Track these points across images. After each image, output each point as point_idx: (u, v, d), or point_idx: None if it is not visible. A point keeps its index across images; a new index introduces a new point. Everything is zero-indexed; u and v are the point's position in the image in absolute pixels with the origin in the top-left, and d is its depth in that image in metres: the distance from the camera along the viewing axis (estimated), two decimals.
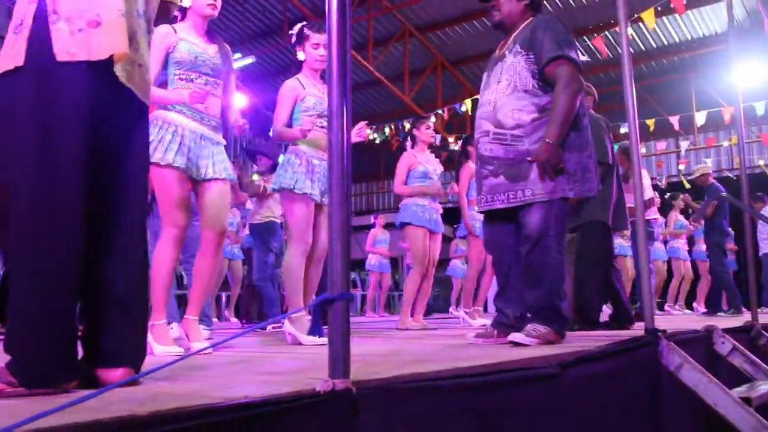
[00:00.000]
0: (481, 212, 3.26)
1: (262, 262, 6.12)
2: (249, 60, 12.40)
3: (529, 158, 2.95)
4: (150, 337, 2.73)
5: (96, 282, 1.62)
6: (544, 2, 11.97)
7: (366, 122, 3.81)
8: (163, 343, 2.74)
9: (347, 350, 1.43)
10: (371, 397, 1.43)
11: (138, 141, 1.76)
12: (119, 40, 1.62)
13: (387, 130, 12.84)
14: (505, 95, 3.02)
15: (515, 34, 3.13)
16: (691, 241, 9.43)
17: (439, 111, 11.49)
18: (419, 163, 5.33)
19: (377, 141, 12.93)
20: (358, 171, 18.14)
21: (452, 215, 7.48)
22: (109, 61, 1.60)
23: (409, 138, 5.60)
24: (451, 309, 10.48)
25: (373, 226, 10.86)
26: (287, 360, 2.50)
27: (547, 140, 2.89)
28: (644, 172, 6.77)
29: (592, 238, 4.60)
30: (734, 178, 11.66)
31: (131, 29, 1.68)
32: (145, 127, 1.82)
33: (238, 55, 11.37)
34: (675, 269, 8.94)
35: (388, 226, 11.02)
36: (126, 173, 1.70)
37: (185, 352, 2.70)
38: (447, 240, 8.29)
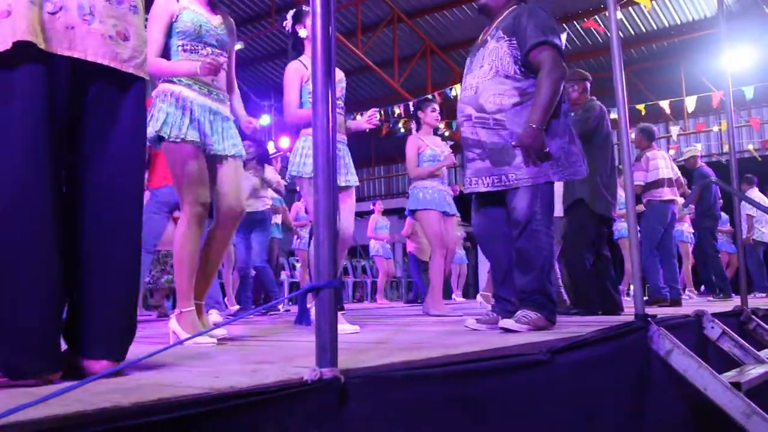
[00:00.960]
0: (468, 193, 3.26)
1: (263, 246, 6.11)
2: (238, 46, 12.28)
3: (513, 142, 2.96)
4: (177, 326, 2.65)
5: (79, 271, 1.59)
6: None
7: (376, 108, 3.77)
8: (190, 331, 2.59)
9: (335, 338, 1.41)
10: (360, 385, 1.41)
11: (125, 119, 1.69)
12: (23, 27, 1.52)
13: (377, 116, 12.78)
14: (487, 80, 3.03)
15: (499, 20, 3.15)
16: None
17: (429, 96, 11.44)
18: (426, 146, 5.30)
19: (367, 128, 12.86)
20: None
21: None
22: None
23: (414, 121, 5.57)
24: (453, 295, 10.50)
25: (371, 212, 10.79)
26: (277, 349, 2.48)
27: (532, 125, 2.90)
28: (664, 153, 6.73)
29: (576, 219, 4.63)
30: (724, 162, 11.68)
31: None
32: (134, 104, 1.73)
33: None
34: (683, 253, 8.88)
35: (386, 213, 11.02)
36: (110, 157, 1.64)
37: (217, 340, 2.60)
38: None
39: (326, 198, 1.45)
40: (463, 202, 5.21)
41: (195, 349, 2.38)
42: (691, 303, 6.20)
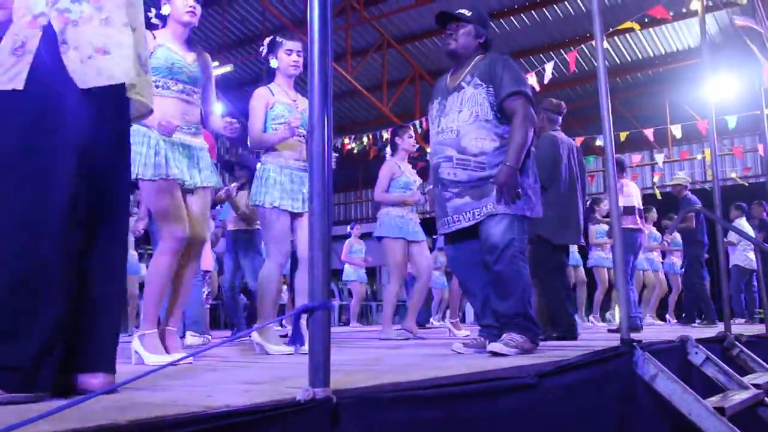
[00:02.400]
0: (445, 234, 3.35)
1: (255, 268, 6.01)
2: (227, 68, 12.39)
3: (491, 180, 3.11)
4: (140, 347, 2.72)
5: (77, 288, 1.62)
6: (522, 16, 12.19)
7: (336, 155, 3.83)
8: (154, 352, 2.70)
9: (327, 359, 1.44)
10: (351, 406, 1.43)
11: (121, 150, 1.80)
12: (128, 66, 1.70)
13: (365, 140, 12.87)
14: (468, 124, 3.18)
15: (470, 67, 3.31)
16: (662, 253, 9.55)
17: (417, 121, 11.54)
18: (402, 172, 5.33)
19: (355, 151, 12.95)
20: (335, 181, 18.10)
21: (431, 226, 7.48)
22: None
23: (389, 146, 5.61)
24: (432, 319, 10.50)
25: (348, 235, 10.78)
26: (268, 369, 2.49)
27: (507, 163, 3.07)
28: (633, 183, 6.83)
29: (536, 252, 4.69)
30: (708, 189, 11.84)
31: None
32: (126, 135, 1.85)
33: (215, 64, 11.34)
34: (657, 282, 9.01)
35: (364, 237, 11.00)
36: (110, 181, 1.73)
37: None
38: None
39: (321, 221, 1.48)
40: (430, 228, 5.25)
41: (185, 368, 2.39)
42: (668, 330, 6.23)
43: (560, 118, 5.03)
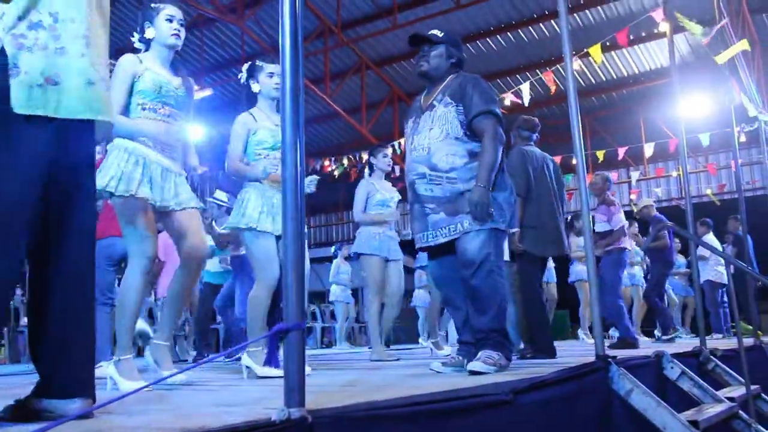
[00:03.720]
0: (425, 248, 3.39)
1: (246, 294, 5.92)
2: (207, 92, 12.43)
3: (463, 194, 3.18)
4: (115, 373, 2.70)
5: (48, 312, 1.64)
6: (499, 37, 12.37)
7: (317, 177, 3.84)
8: (129, 378, 2.67)
9: (303, 379, 1.46)
10: (327, 425, 1.45)
11: (86, 174, 1.81)
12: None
13: (345, 162, 12.93)
14: (439, 141, 3.25)
15: (443, 86, 3.39)
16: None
17: (396, 142, 11.63)
18: (377, 191, 5.36)
19: (336, 173, 13.00)
20: (317, 202, 18.16)
21: (411, 247, 7.49)
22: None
23: (366, 167, 5.65)
24: (420, 339, 10.48)
25: (335, 257, 10.80)
26: (245, 391, 2.50)
27: (480, 184, 3.14)
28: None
29: (522, 269, 4.74)
30: (683, 206, 12.00)
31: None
32: (91, 159, 1.87)
33: (195, 87, 11.37)
34: (634, 295, 9.04)
35: (348, 258, 11.01)
36: (74, 207, 1.74)
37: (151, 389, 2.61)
38: (410, 271, 8.25)
39: (294, 244, 1.51)
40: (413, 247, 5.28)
41: (162, 392, 2.39)
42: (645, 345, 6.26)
43: (534, 135, 5.02)
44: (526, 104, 8.94)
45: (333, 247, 11.33)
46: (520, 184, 4.58)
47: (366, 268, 5.22)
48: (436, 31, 3.47)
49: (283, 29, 1.64)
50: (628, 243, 6.32)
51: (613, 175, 13.18)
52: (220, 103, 14.46)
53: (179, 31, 3.03)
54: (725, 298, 8.90)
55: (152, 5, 3.03)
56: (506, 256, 4.77)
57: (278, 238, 3.53)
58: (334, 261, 10.63)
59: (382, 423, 1.64)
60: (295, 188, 1.53)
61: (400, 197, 5.56)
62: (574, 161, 5.07)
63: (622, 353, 3.64)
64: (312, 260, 3.81)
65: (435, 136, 3.27)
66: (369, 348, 7.96)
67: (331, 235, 19.53)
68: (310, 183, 3.71)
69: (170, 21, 3.01)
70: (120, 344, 2.78)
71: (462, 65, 3.50)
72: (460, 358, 3.22)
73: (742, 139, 10.25)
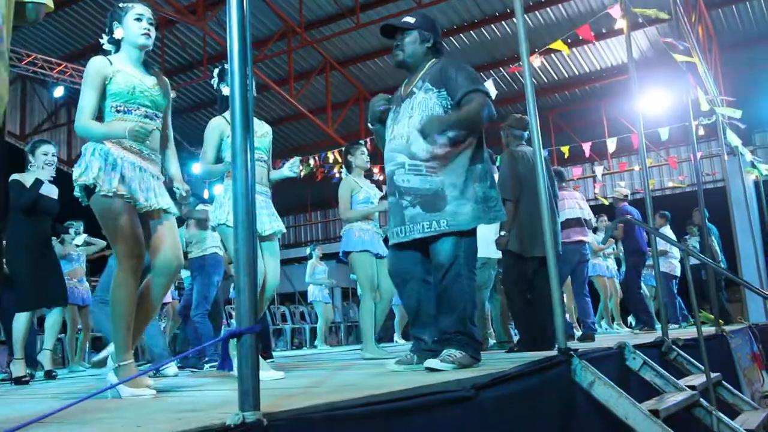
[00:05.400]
0: (396, 245, 3.31)
1: (202, 296, 5.82)
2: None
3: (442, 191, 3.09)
4: (116, 380, 2.61)
5: None
6: (462, 36, 12.44)
7: (299, 157, 3.83)
8: (131, 383, 2.53)
9: (257, 382, 1.45)
10: (283, 428, 1.44)
11: None
12: None
13: (312, 162, 12.89)
14: (418, 129, 3.13)
15: (422, 72, 3.30)
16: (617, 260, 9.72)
17: (362, 141, 11.62)
18: (360, 188, 5.33)
19: (302, 173, 12.96)
20: (284, 204, 18.09)
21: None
22: None
23: (344, 165, 5.62)
24: (395, 337, 10.48)
25: (310, 257, 10.75)
26: (207, 397, 2.48)
27: (438, 116, 3.07)
28: (575, 194, 6.81)
29: (505, 266, 4.77)
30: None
31: None
32: None
33: None
34: (605, 287, 9.15)
35: (324, 257, 11.01)
36: None
37: (156, 394, 2.55)
38: None
39: (246, 246, 1.49)
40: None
41: (125, 400, 2.36)
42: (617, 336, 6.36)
43: (527, 133, 4.92)
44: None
45: (308, 247, 11.29)
46: (510, 189, 4.58)
47: (357, 266, 5.15)
48: (408, 18, 3.38)
49: (230, 23, 1.62)
50: (582, 235, 6.27)
51: (577, 171, 13.43)
52: (181, 105, 14.34)
53: (149, 30, 2.91)
54: (675, 289, 9.14)
55: (120, 5, 2.91)
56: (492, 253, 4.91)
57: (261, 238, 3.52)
58: (310, 262, 10.59)
59: (340, 424, 1.63)
60: (246, 192, 1.51)
61: (381, 193, 5.51)
62: None
63: (584, 346, 3.69)
64: (281, 262, 3.78)
65: (414, 124, 3.16)
66: (360, 349, 7.95)
67: (300, 236, 19.46)
68: (293, 165, 3.68)
69: (139, 20, 2.89)
70: (117, 349, 2.67)
71: (440, 49, 3.40)
72: (410, 355, 3.21)
73: (701, 132, 10.46)
